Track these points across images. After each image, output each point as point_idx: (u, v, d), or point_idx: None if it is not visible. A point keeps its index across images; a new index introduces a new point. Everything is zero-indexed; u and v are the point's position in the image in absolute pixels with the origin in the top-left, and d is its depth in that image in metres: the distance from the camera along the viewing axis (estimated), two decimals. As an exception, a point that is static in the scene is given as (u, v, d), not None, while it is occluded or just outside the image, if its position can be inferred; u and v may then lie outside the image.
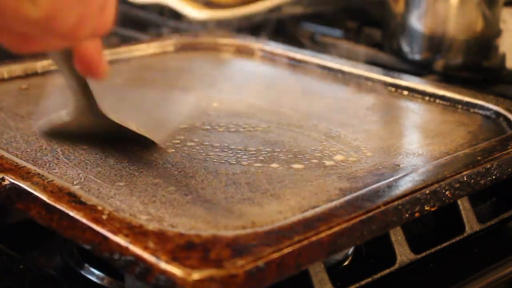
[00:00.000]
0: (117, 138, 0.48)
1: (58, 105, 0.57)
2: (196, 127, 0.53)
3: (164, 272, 0.34)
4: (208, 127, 0.53)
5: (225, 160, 0.47)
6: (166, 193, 0.43)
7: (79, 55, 0.42)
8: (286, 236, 0.37)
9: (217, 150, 0.49)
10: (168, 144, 0.50)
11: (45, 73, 0.64)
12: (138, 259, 0.35)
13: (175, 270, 0.34)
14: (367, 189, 0.43)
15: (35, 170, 0.44)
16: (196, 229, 0.38)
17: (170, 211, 0.40)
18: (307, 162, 0.48)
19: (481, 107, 0.58)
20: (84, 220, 0.38)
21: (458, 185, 0.45)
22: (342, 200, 0.41)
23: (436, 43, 0.75)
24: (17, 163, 0.45)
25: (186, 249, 0.35)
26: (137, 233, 0.37)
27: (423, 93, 0.61)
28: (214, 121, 0.54)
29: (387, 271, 0.42)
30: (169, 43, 0.73)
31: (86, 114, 0.46)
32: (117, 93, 0.60)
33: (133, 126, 0.48)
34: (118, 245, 0.36)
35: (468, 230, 0.47)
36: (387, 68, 0.72)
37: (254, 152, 0.49)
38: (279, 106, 0.58)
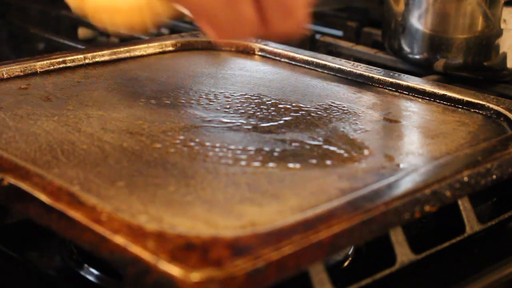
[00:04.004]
0: None
1: (58, 104, 0.57)
2: (195, 127, 0.53)
3: (163, 273, 0.34)
4: (208, 127, 0.53)
5: (224, 160, 0.47)
6: (165, 193, 0.43)
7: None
8: (286, 236, 0.37)
9: (217, 150, 0.49)
10: (168, 144, 0.50)
11: (44, 72, 0.64)
12: (137, 259, 0.35)
13: (175, 270, 0.34)
14: (367, 189, 0.43)
15: (34, 170, 0.43)
16: (195, 230, 0.38)
17: (170, 211, 0.40)
18: (307, 162, 0.48)
19: (482, 107, 0.58)
20: (83, 220, 0.38)
21: (459, 185, 0.44)
22: (342, 200, 0.41)
23: (436, 43, 0.75)
24: (16, 163, 0.45)
25: (186, 250, 0.35)
26: (137, 233, 0.37)
27: (423, 93, 0.61)
28: (214, 121, 0.54)
29: (387, 271, 0.42)
30: (169, 43, 0.73)
31: None
32: (115, 92, 0.60)
33: None
34: (117, 245, 0.36)
35: (468, 230, 0.47)
36: (387, 68, 0.72)
37: (253, 152, 0.49)
38: (279, 105, 0.58)
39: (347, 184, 0.44)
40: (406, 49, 0.78)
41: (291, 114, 0.56)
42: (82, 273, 0.44)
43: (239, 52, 0.73)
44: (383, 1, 0.82)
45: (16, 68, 0.63)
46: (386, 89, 0.63)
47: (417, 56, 0.77)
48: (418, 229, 0.48)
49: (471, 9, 0.72)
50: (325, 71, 0.67)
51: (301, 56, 0.70)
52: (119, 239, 0.36)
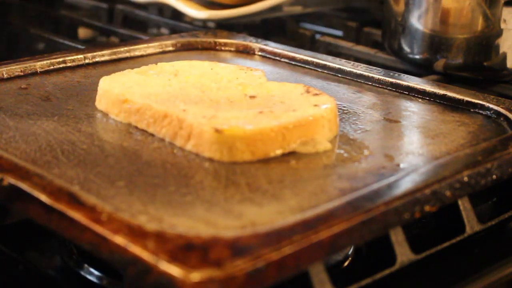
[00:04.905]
0: None
1: (58, 104, 0.57)
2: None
3: (163, 273, 0.34)
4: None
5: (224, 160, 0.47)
6: (165, 193, 0.43)
7: None
8: (286, 236, 0.37)
9: (217, 150, 0.49)
10: (167, 144, 0.50)
11: (44, 72, 0.64)
12: (137, 259, 0.35)
13: (175, 270, 0.34)
14: (367, 189, 0.43)
15: (34, 170, 0.43)
16: (195, 230, 0.38)
17: (170, 211, 0.40)
18: (307, 162, 0.48)
19: (482, 107, 0.58)
20: (83, 221, 0.38)
21: (459, 185, 0.44)
22: (342, 200, 0.41)
23: (436, 43, 0.75)
24: (16, 163, 0.45)
25: (186, 250, 0.35)
26: (137, 233, 0.37)
27: (423, 93, 0.61)
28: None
29: (387, 271, 0.42)
30: (169, 43, 0.73)
31: None
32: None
33: None
34: (117, 245, 0.36)
35: (468, 230, 0.47)
36: (387, 68, 0.72)
37: (254, 152, 0.49)
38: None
39: (347, 184, 0.44)
40: (406, 49, 0.78)
41: (291, 114, 0.56)
42: (82, 273, 0.44)
43: (239, 52, 0.73)
44: (383, 1, 0.82)
45: (16, 68, 0.63)
46: (386, 89, 0.63)
47: (417, 56, 0.77)
48: (418, 229, 0.48)
49: (471, 9, 0.72)
50: (325, 71, 0.67)
51: (301, 56, 0.70)
52: (119, 239, 0.36)
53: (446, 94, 0.60)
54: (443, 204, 0.44)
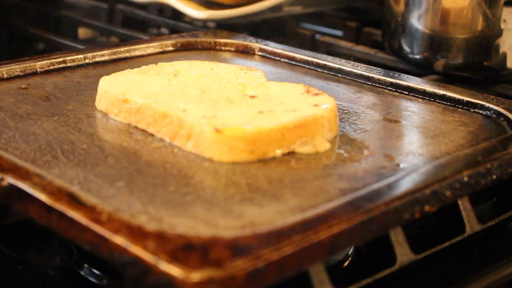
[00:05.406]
0: None
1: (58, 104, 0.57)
2: (195, 127, 0.53)
3: (163, 273, 0.34)
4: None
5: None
6: (165, 193, 0.43)
7: None
8: (286, 236, 0.37)
9: (217, 150, 0.49)
10: (167, 144, 0.50)
11: (44, 72, 0.64)
12: (137, 259, 0.35)
13: (175, 270, 0.34)
14: (367, 189, 0.43)
15: (34, 170, 0.43)
16: (195, 230, 0.38)
17: (170, 211, 0.40)
18: (307, 162, 0.48)
19: (482, 107, 0.58)
20: (83, 221, 0.38)
21: (459, 185, 0.45)
22: (342, 200, 0.41)
23: (436, 43, 0.75)
24: (16, 163, 0.45)
25: (186, 250, 0.35)
26: (137, 233, 0.37)
27: (423, 93, 0.61)
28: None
29: (387, 271, 0.42)
30: (169, 43, 0.73)
31: None
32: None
33: None
34: (117, 245, 0.36)
35: (468, 230, 0.47)
36: (387, 68, 0.72)
37: (254, 152, 0.49)
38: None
39: (347, 184, 0.44)
40: (406, 49, 0.78)
41: (291, 114, 0.56)
42: (82, 273, 0.44)
43: (239, 52, 0.73)
44: (383, 1, 0.82)
45: (16, 68, 0.63)
46: (386, 89, 0.63)
47: (417, 56, 0.77)
48: (418, 229, 0.48)
49: (471, 9, 0.72)
50: (325, 71, 0.67)
51: (301, 56, 0.70)
52: (119, 239, 0.36)
53: (446, 94, 0.60)
54: (443, 204, 0.44)
